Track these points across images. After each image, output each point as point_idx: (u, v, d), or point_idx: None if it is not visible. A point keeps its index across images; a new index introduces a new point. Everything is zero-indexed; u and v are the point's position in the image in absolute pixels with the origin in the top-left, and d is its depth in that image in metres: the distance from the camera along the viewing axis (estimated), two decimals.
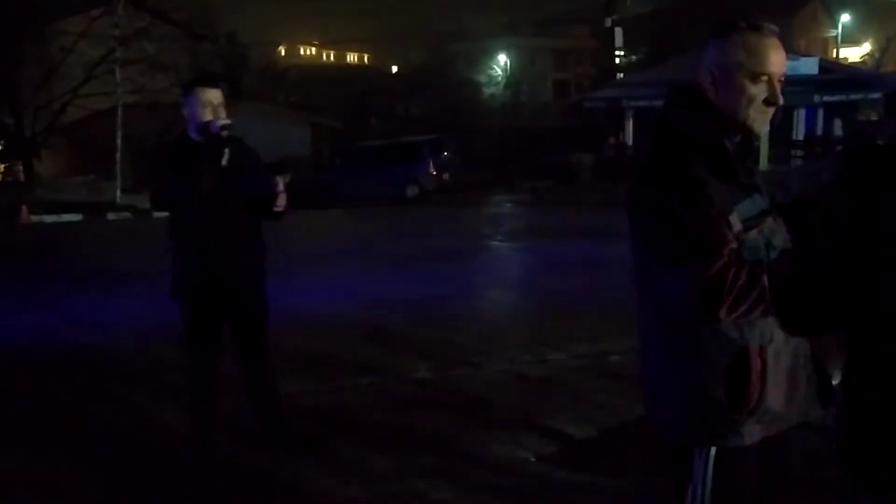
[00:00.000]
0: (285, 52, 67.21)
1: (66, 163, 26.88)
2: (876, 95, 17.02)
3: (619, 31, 27.86)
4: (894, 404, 1.27)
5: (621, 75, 28.13)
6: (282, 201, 3.54)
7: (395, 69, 55.43)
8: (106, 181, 22.04)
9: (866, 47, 41.44)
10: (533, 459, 3.66)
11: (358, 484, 3.50)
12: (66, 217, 18.91)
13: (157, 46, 23.66)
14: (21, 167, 26.08)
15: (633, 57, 31.88)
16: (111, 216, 19.56)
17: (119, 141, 21.31)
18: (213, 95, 3.45)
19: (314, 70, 53.19)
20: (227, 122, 3.43)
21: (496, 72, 42.59)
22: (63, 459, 3.89)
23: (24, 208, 18.25)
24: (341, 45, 70.04)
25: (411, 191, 21.56)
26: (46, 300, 8.04)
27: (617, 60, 29.21)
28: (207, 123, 3.40)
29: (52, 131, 24.67)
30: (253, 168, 3.58)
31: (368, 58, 68.84)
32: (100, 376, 5.34)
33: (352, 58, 71.65)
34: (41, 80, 23.99)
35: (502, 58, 43.71)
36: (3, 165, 28.67)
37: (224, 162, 3.42)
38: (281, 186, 3.52)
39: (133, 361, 5.67)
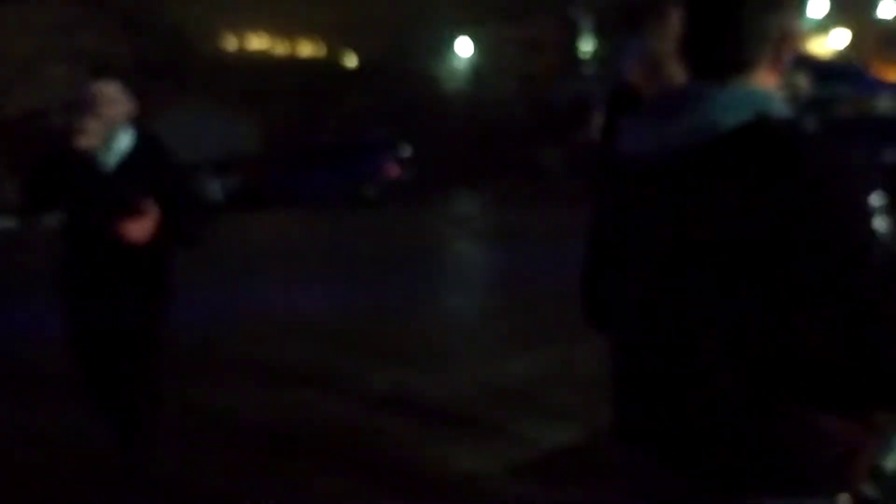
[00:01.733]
0: (234, 44, 66.47)
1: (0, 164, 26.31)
2: (844, 87, 17.61)
3: (587, 22, 28.15)
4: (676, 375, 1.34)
5: (588, 68, 28.37)
6: (126, 230, 2.97)
7: (351, 61, 55.19)
8: None
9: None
10: (500, 470, 3.71)
11: (312, 502, 3.52)
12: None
13: (95, 38, 23.27)
14: None
15: (600, 48, 32.17)
16: (48, 221, 19.17)
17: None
18: (99, 89, 3.10)
19: (265, 62, 52.65)
20: (77, 124, 3.04)
21: (458, 64, 42.66)
22: None
23: None
24: (294, 34, 69.49)
25: (368, 190, 21.44)
26: None
27: (583, 52, 29.50)
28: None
29: None
30: (151, 177, 3.12)
31: (323, 49, 68.39)
32: (34, 388, 5.27)
33: (305, 49, 71.14)
34: None
35: (464, 49, 43.77)
36: None
37: (107, 169, 3.09)
38: (150, 211, 3.00)
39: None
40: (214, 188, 22.91)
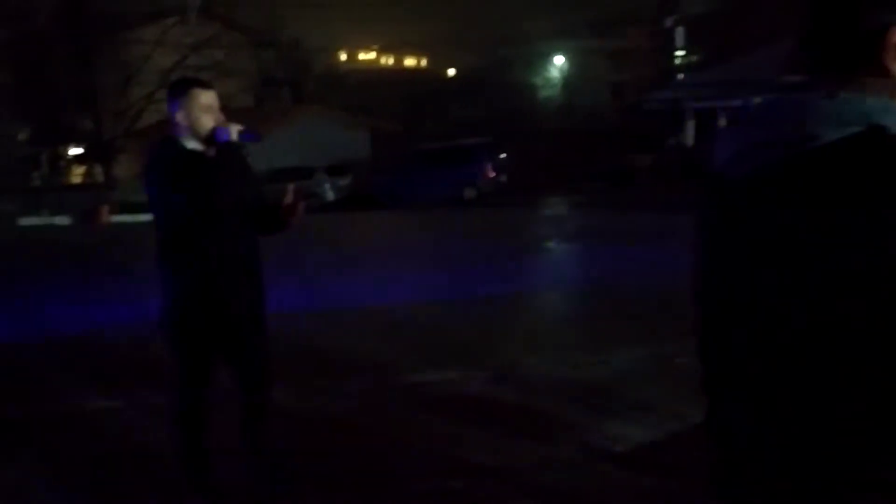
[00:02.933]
0: (345, 58, 67.96)
1: (142, 165, 27.74)
2: None
3: (680, 31, 27.42)
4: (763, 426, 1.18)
5: (680, 76, 27.65)
6: (301, 210, 3.03)
7: (451, 73, 55.53)
8: None
9: None
10: (597, 461, 3.65)
11: (423, 474, 3.54)
12: (142, 217, 19.52)
13: (225, 53, 24.25)
14: (100, 169, 27.08)
15: (692, 57, 31.25)
16: None
17: None
18: (211, 98, 2.96)
19: (373, 74, 53.62)
20: (241, 127, 2.97)
21: (552, 74, 42.32)
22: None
23: (104, 209, 18.95)
24: (399, 50, 70.58)
25: (469, 193, 21.59)
26: (127, 296, 8.28)
27: (677, 61, 28.72)
28: (215, 130, 2.92)
29: (129, 135, 25.52)
30: (250, 178, 3.11)
31: (426, 62, 69.15)
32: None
33: (409, 62, 72.10)
34: (119, 86, 24.83)
35: (558, 60, 43.39)
36: (83, 168, 29.82)
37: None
38: (290, 197, 3.02)
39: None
40: (326, 189, 23.57)
